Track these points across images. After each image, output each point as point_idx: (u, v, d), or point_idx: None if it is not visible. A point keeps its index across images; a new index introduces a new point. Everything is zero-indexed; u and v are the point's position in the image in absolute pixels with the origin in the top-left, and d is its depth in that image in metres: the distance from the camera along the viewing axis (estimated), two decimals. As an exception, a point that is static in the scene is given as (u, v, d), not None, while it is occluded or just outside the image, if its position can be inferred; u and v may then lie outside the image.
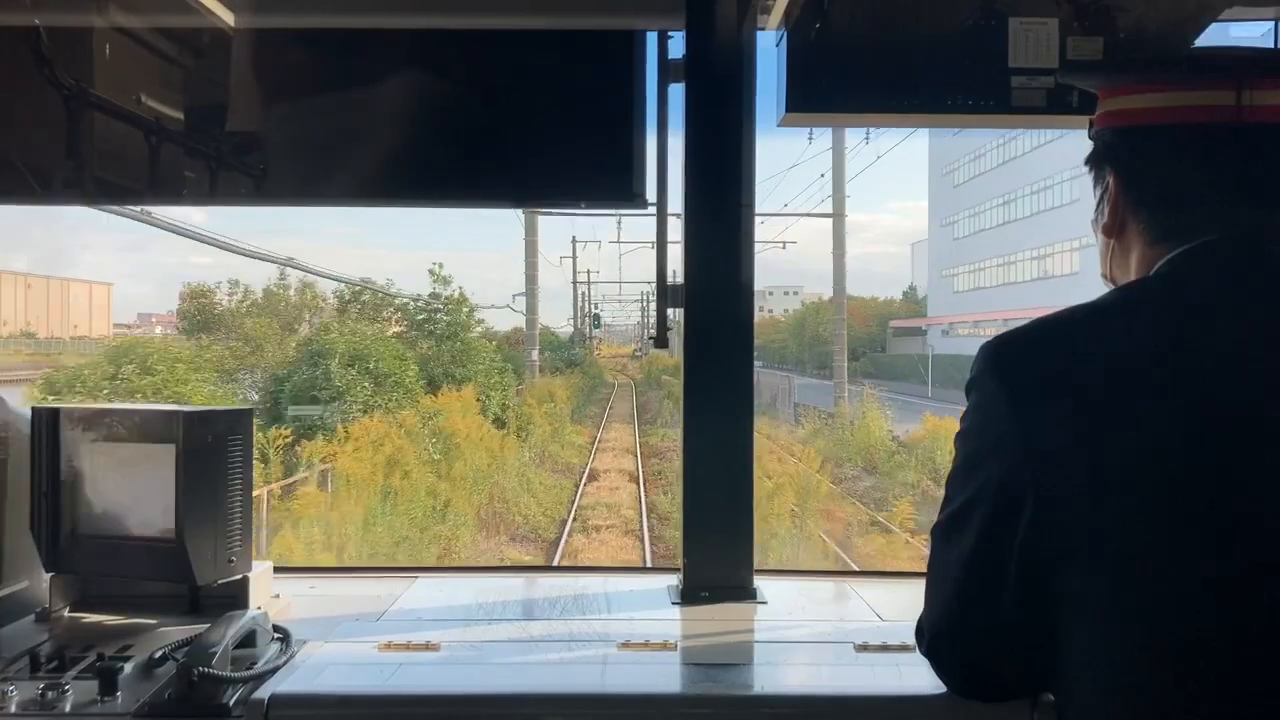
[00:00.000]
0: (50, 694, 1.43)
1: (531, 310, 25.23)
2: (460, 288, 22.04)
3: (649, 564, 10.77)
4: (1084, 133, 1.35)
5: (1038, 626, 1.15)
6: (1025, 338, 1.22)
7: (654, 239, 2.08)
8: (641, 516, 14.14)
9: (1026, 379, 1.17)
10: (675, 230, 2.08)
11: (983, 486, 1.18)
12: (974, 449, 1.21)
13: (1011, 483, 1.14)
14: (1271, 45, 2.11)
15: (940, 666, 1.33)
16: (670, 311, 2.08)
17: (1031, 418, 1.14)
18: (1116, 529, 1.08)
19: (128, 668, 1.53)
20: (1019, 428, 1.14)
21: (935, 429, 17.20)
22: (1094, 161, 1.31)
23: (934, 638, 1.30)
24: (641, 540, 12.90)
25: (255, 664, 1.54)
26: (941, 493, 1.27)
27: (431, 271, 22.19)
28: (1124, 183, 1.26)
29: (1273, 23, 2.10)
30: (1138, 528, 1.07)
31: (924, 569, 1.33)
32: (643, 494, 15.79)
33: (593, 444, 22.67)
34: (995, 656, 1.25)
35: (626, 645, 1.67)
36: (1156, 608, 1.06)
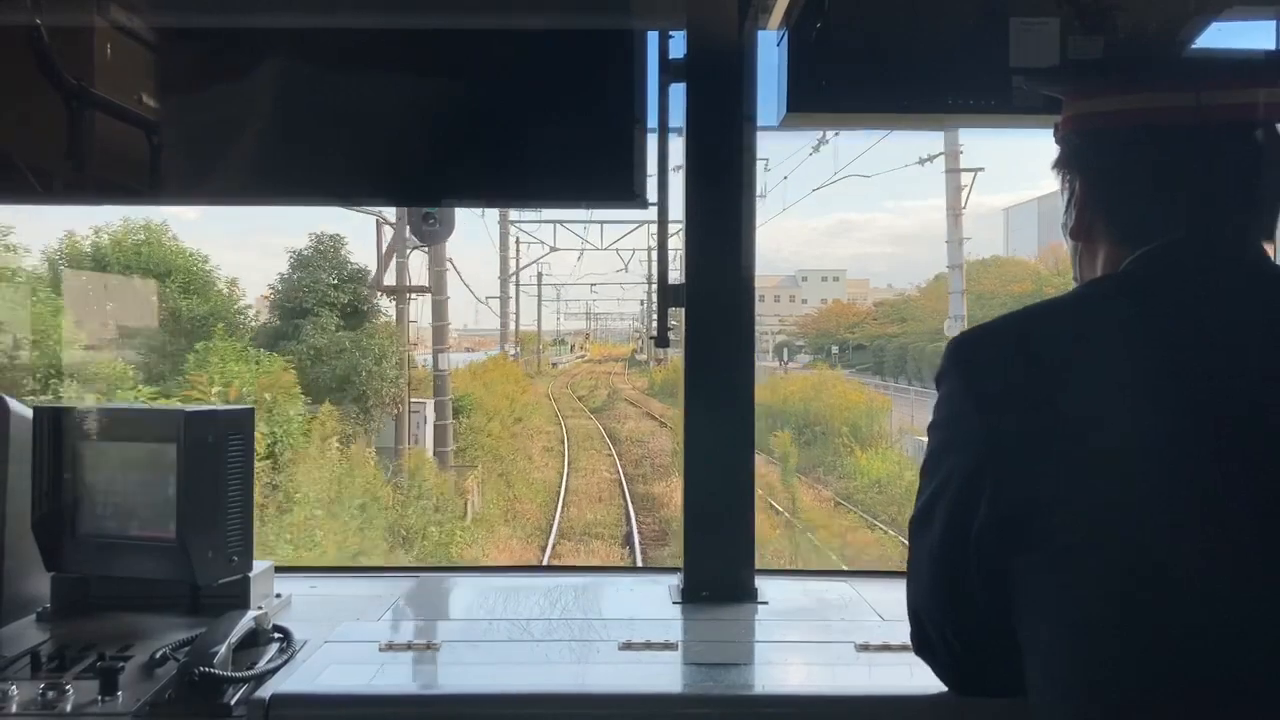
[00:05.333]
0: (51, 694, 1.43)
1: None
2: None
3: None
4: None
5: (1006, 620, 1.16)
6: (990, 334, 1.24)
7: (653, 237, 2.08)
8: None
9: (988, 375, 1.18)
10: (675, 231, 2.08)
11: (945, 480, 1.19)
12: (938, 442, 1.23)
13: (970, 477, 1.15)
14: (1273, 44, 2.11)
15: (931, 663, 1.34)
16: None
17: (991, 414, 1.15)
18: (1070, 525, 1.08)
19: (128, 667, 1.54)
20: (979, 423, 1.16)
21: None
22: (1060, 165, 1.33)
23: (918, 634, 1.32)
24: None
25: (256, 664, 1.54)
26: None
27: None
28: (1089, 185, 1.28)
29: (1273, 22, 2.10)
30: (1091, 525, 1.07)
31: None
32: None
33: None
34: (977, 650, 1.26)
35: (627, 645, 1.67)
36: (1106, 606, 1.06)
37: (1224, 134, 1.18)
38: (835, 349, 39.32)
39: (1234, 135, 1.19)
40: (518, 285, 35.67)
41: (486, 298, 33.41)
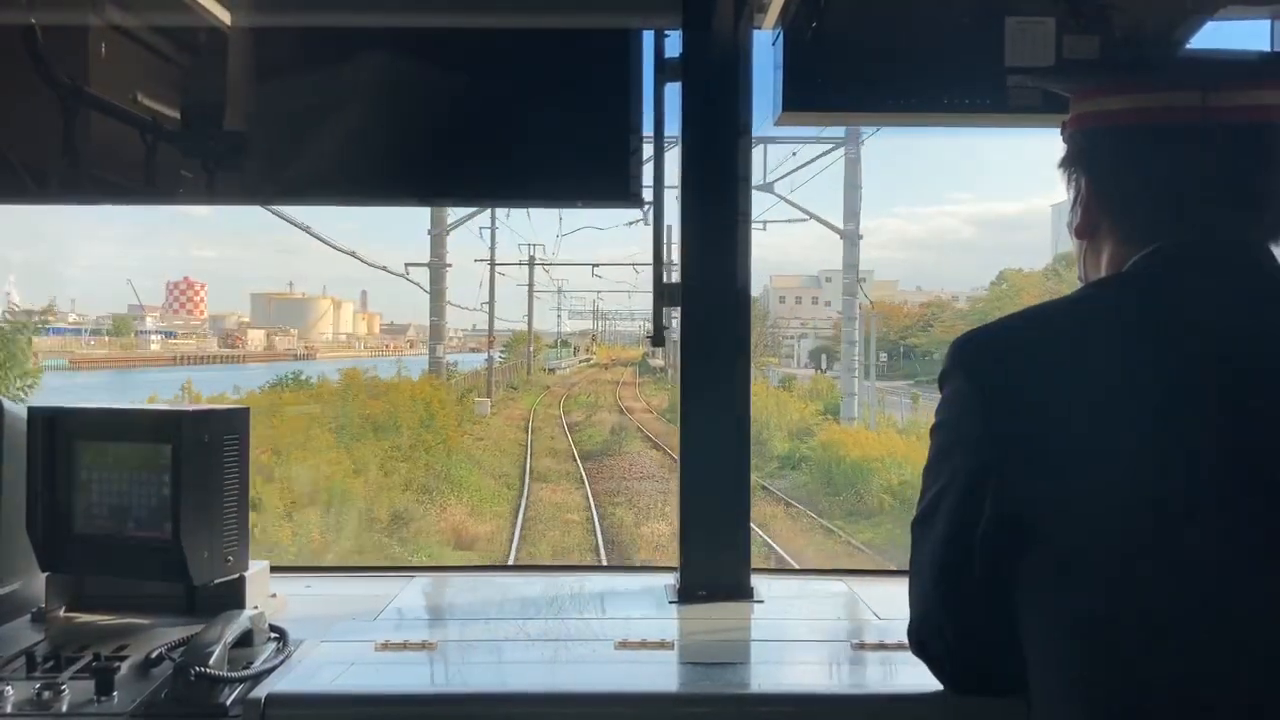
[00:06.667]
0: (47, 694, 1.43)
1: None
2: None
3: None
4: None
5: (1007, 620, 1.16)
6: (994, 333, 1.23)
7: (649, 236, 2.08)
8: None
9: (992, 375, 1.18)
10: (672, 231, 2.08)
11: (949, 481, 1.19)
12: (942, 443, 1.23)
13: (974, 477, 1.15)
14: (1268, 43, 2.11)
15: (929, 663, 1.34)
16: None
17: (995, 414, 1.15)
18: (1073, 525, 1.08)
19: (124, 668, 1.53)
20: (983, 423, 1.16)
21: None
22: (1066, 164, 1.32)
23: (918, 634, 1.32)
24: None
25: (252, 663, 1.54)
26: None
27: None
28: (1095, 184, 1.27)
29: (1269, 21, 2.10)
30: (1094, 525, 1.07)
31: None
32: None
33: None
34: (978, 651, 1.26)
35: (624, 644, 1.66)
36: (1108, 607, 1.06)
37: (1230, 134, 1.18)
38: (885, 356, 34.25)
39: (1240, 136, 1.18)
40: (492, 265, 27.97)
41: (407, 266, 21.11)
